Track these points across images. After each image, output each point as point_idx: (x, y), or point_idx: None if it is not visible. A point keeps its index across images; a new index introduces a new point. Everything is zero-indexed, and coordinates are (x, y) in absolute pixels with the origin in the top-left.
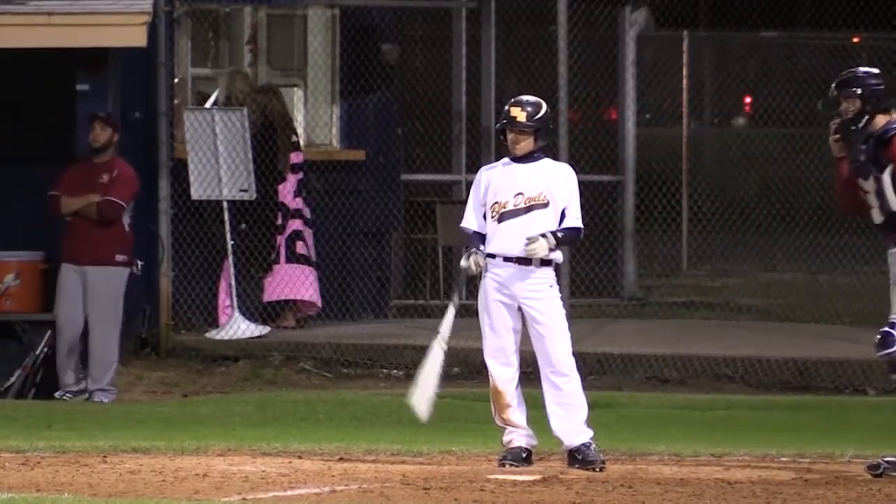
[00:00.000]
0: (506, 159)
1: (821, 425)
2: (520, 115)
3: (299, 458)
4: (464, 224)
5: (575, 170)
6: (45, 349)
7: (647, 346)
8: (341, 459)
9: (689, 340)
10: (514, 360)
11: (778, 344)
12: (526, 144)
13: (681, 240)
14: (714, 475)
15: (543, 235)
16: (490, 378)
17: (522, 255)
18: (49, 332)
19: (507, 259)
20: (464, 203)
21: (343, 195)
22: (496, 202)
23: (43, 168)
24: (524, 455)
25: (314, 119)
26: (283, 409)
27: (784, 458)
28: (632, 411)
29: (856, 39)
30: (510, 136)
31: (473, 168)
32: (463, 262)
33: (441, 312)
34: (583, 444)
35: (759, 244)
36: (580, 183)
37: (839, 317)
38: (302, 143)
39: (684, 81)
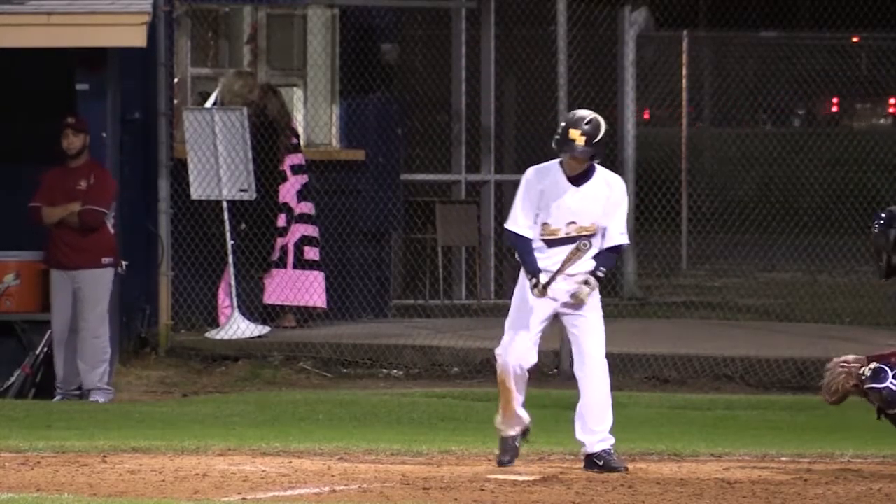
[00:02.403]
0: (558, 165)
1: (820, 425)
2: (579, 139)
3: (299, 458)
4: (514, 228)
5: None
6: (45, 349)
7: (647, 346)
8: (341, 459)
9: (688, 340)
10: (535, 354)
11: (778, 344)
12: (581, 165)
13: (680, 240)
14: (714, 475)
15: (587, 282)
16: (505, 370)
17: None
18: (49, 332)
19: (548, 270)
20: (463, 203)
21: (343, 195)
22: (546, 223)
23: (43, 168)
24: (517, 443)
25: (314, 119)
26: (282, 409)
27: (784, 458)
28: (632, 411)
29: (855, 39)
30: (568, 161)
31: (473, 168)
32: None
33: (441, 312)
34: (603, 451)
35: (759, 244)
36: None
37: (839, 317)
38: (302, 143)
39: (683, 82)
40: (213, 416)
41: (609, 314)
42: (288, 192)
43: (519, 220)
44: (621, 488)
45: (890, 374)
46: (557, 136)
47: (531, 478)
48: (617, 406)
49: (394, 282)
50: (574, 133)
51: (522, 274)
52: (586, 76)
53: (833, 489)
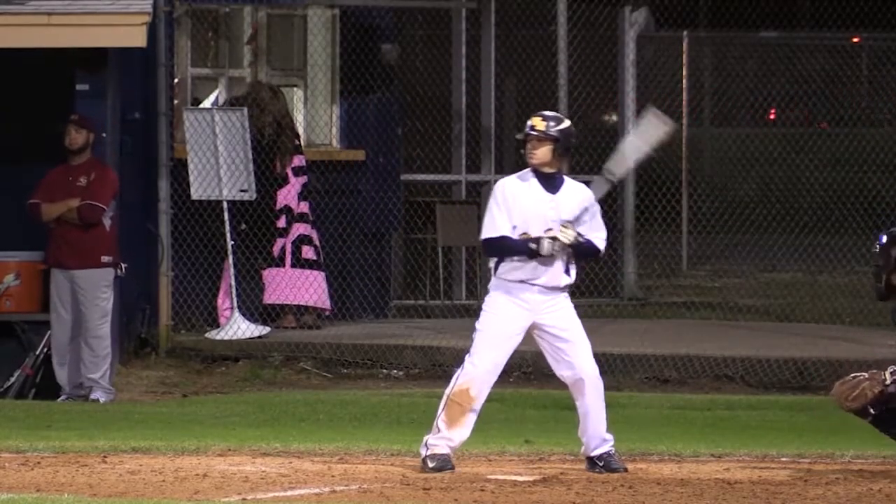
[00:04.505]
0: (528, 174)
1: (821, 425)
2: (539, 123)
3: (299, 458)
4: (491, 235)
5: (575, 170)
6: (45, 349)
7: (647, 346)
8: (341, 460)
9: (689, 340)
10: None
11: (778, 344)
12: (542, 153)
13: (681, 240)
14: (714, 475)
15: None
16: (464, 380)
17: (549, 252)
18: (49, 332)
19: (533, 284)
20: (463, 204)
21: (343, 195)
22: (525, 233)
23: (43, 168)
24: (451, 464)
25: (314, 119)
26: (282, 410)
27: (784, 458)
28: (632, 411)
29: (855, 39)
30: (528, 145)
31: (473, 168)
32: (548, 248)
33: (441, 312)
34: (605, 452)
35: (759, 244)
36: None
37: (839, 317)
38: (302, 143)
39: (684, 82)
40: (213, 417)
41: (609, 314)
42: (289, 192)
43: (497, 228)
44: (621, 488)
45: None
46: (520, 136)
47: (531, 478)
48: (617, 406)
49: (394, 282)
50: (535, 120)
51: (496, 295)
52: (586, 76)
53: (833, 489)
